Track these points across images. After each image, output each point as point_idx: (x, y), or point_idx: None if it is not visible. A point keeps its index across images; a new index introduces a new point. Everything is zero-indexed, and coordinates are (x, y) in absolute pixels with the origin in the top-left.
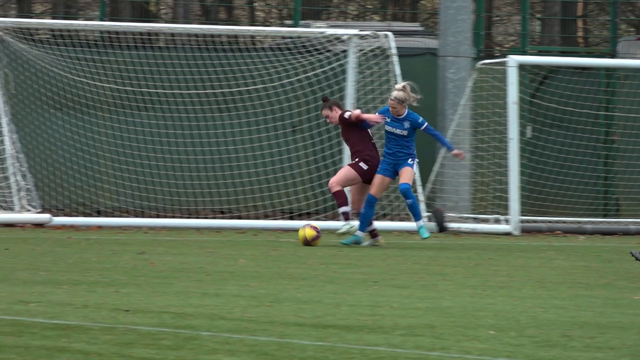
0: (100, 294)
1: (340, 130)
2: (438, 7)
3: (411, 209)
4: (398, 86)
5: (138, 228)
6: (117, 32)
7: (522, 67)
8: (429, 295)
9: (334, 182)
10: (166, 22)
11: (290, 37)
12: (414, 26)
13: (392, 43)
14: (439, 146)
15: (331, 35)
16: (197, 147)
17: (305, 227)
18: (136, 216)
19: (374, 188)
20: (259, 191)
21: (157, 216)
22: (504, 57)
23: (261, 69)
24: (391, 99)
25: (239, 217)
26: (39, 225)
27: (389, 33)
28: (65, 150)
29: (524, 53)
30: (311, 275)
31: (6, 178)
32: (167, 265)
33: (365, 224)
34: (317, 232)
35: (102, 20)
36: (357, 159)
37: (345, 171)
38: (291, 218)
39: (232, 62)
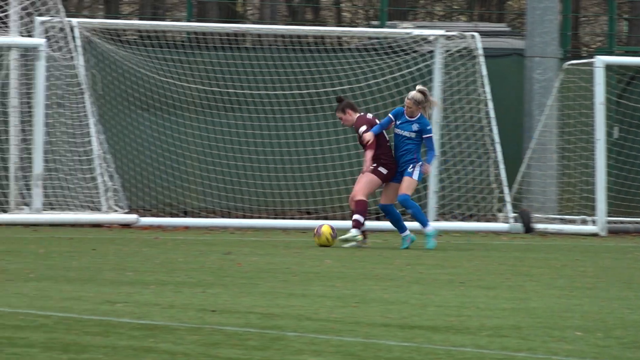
0: (186, 294)
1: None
2: (525, 8)
3: (416, 218)
4: (419, 88)
5: (225, 228)
6: (204, 33)
7: (609, 68)
8: (516, 296)
9: (358, 191)
10: (253, 22)
11: (377, 38)
12: (501, 27)
13: (478, 44)
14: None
15: (418, 35)
16: (283, 148)
17: (322, 227)
18: (223, 217)
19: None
20: (345, 192)
21: (244, 217)
22: (591, 57)
23: (347, 70)
24: (408, 99)
25: (325, 218)
26: (126, 225)
27: (476, 34)
28: (152, 151)
29: (611, 53)
30: (397, 276)
31: (94, 179)
32: (253, 265)
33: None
34: (331, 228)
35: (189, 21)
36: (375, 165)
37: (367, 178)
38: (377, 219)
39: (318, 63)
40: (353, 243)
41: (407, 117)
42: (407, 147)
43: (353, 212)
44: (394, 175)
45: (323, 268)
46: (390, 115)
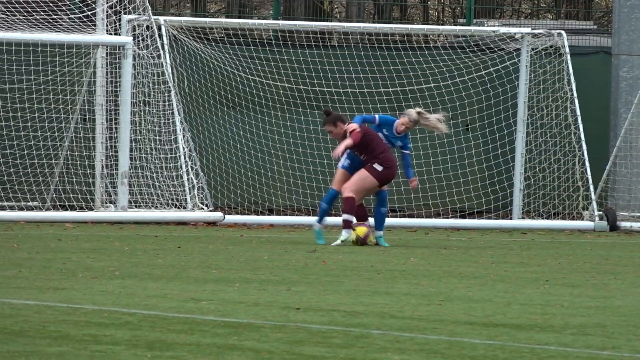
0: (271, 292)
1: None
2: (612, 6)
3: (383, 217)
4: (417, 109)
5: (310, 226)
6: (290, 31)
7: None
8: (600, 294)
9: (347, 187)
10: (340, 21)
11: (463, 36)
12: (588, 24)
13: (565, 41)
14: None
15: (504, 33)
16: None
17: (356, 227)
18: (308, 214)
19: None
20: (430, 190)
21: (330, 215)
22: None
23: (434, 68)
24: (409, 119)
25: (410, 216)
26: (212, 223)
27: (562, 31)
28: (237, 149)
29: None
30: (482, 274)
31: (179, 176)
32: (338, 263)
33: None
34: (367, 227)
35: (275, 19)
36: (371, 162)
37: (360, 175)
38: (462, 217)
39: (405, 61)
40: (339, 242)
41: (395, 132)
42: None
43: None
44: (392, 176)
45: (408, 266)
46: (376, 116)
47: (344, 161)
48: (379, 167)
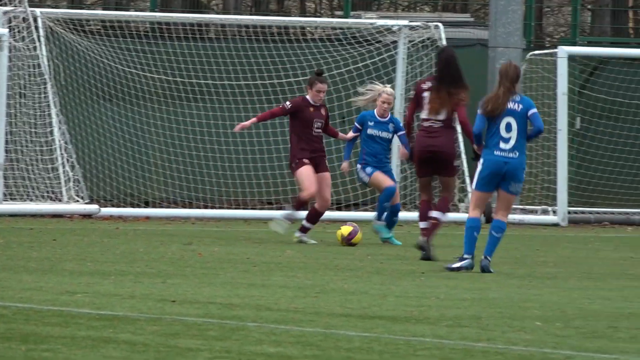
0: (146, 284)
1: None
2: None
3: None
4: (384, 86)
5: (186, 219)
6: (167, 23)
7: (572, 58)
8: (476, 286)
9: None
10: (217, 13)
11: (341, 28)
12: (465, 17)
13: (442, 34)
14: None
15: (381, 26)
16: (246, 138)
17: (342, 226)
18: (184, 207)
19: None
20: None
21: (205, 207)
22: (554, 48)
23: (311, 60)
24: (387, 94)
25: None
26: (87, 216)
27: (439, 24)
28: (114, 141)
29: (574, 44)
30: (358, 267)
31: (55, 169)
32: (214, 256)
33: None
34: (354, 227)
35: (152, 11)
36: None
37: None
38: (338, 209)
39: (282, 53)
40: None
41: (379, 117)
42: (385, 147)
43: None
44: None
45: (284, 258)
46: (356, 124)
47: (370, 171)
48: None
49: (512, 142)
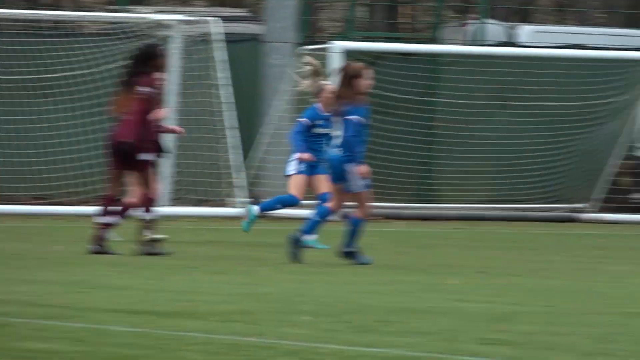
0: None
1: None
2: None
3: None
4: (319, 79)
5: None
6: None
7: (349, 54)
8: (248, 281)
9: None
10: None
11: (116, 22)
12: (241, 12)
13: (215, 29)
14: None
15: (155, 20)
16: (20, 133)
17: None
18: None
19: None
20: (75, 177)
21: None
22: (328, 42)
23: (85, 54)
24: (329, 92)
25: (59, 204)
26: None
27: (214, 19)
28: None
29: (349, 39)
30: (128, 262)
31: None
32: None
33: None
34: None
35: None
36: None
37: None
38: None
39: (57, 47)
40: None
41: (325, 112)
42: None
43: None
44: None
45: (53, 254)
46: (307, 119)
47: (298, 167)
48: None
49: None
